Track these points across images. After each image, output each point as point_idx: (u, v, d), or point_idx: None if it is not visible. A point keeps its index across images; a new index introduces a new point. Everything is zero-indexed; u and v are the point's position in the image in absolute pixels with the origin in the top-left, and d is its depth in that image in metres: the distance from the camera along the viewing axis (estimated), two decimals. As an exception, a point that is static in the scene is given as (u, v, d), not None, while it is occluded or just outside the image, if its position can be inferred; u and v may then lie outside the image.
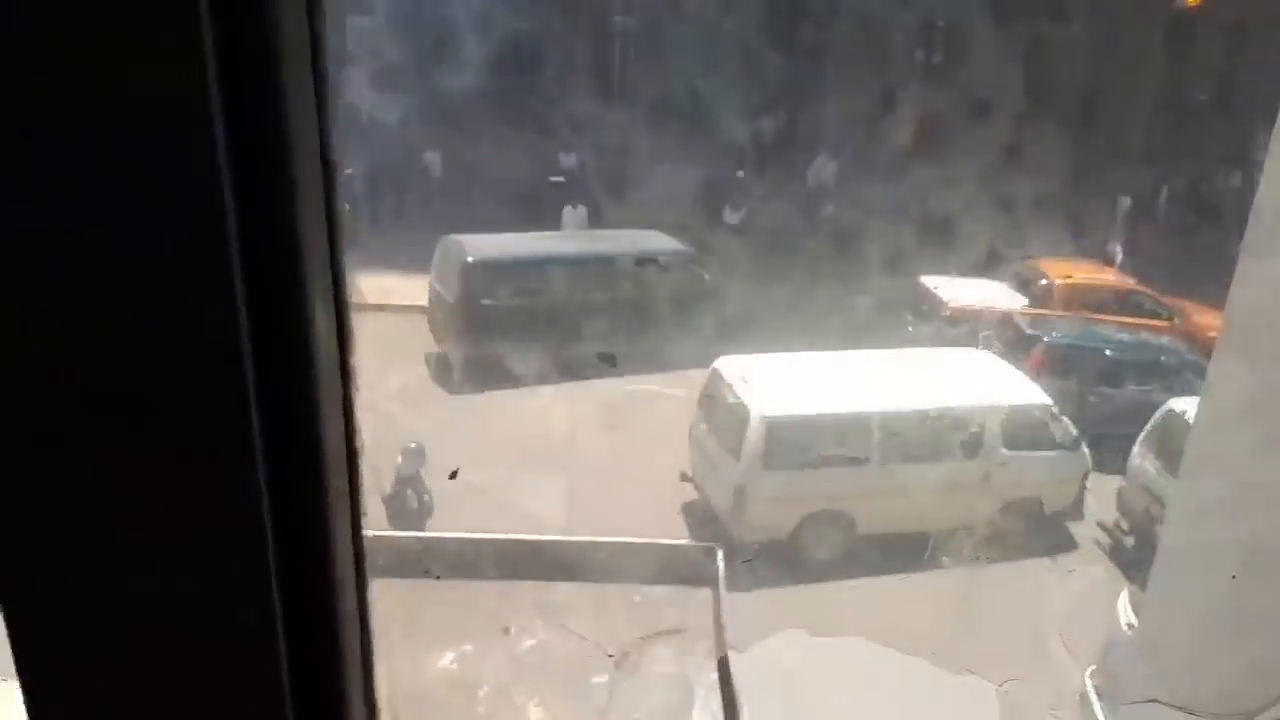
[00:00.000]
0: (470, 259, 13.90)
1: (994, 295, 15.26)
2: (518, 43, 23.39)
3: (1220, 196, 21.69)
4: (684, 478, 11.21)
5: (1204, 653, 5.29)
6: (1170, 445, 10.11)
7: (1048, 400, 11.01)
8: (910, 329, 15.09)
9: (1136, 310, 14.96)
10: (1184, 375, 11.93)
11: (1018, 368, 11.98)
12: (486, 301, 13.90)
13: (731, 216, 19.30)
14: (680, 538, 11.18)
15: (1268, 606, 4.64)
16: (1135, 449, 10.52)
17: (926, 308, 15.07)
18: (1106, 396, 11.98)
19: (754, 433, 9.92)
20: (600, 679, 6.47)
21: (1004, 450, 10.54)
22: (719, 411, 10.80)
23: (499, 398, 13.39)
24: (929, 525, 10.21)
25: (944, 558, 10.08)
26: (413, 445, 11.11)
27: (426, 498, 10.65)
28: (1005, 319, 13.87)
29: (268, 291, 0.64)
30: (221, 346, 0.63)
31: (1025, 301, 15.02)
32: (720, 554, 7.46)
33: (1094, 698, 7.77)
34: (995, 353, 12.61)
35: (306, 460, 0.70)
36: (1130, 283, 16.08)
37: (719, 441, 10.52)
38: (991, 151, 21.40)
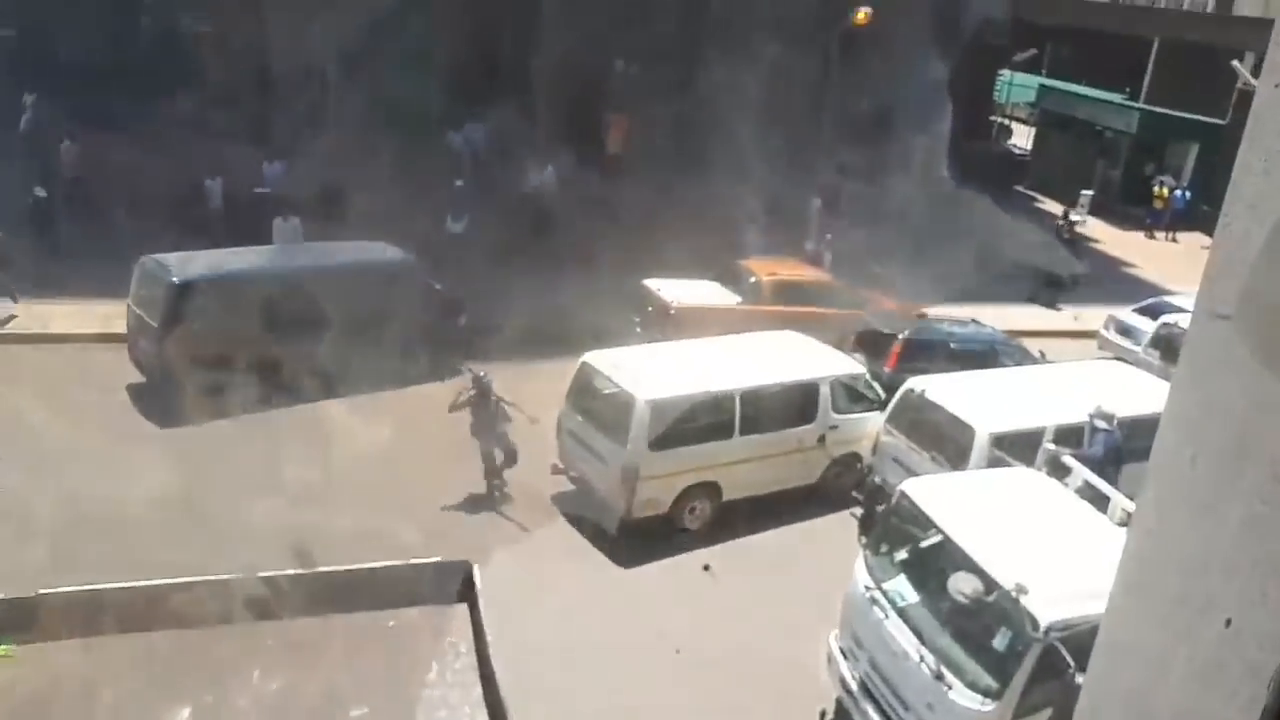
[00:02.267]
0: (175, 279, 12.67)
1: (710, 294, 16.23)
2: (202, 46, 21.79)
3: (887, 196, 24.45)
4: (555, 470, 11.72)
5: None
6: (909, 419, 11.37)
7: (863, 369, 12.67)
8: (639, 330, 15.68)
9: (832, 300, 16.51)
10: (1009, 357, 14.20)
11: (876, 361, 13.64)
12: (195, 325, 12.75)
13: (454, 226, 19.08)
14: (562, 529, 11.40)
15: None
16: (881, 426, 11.75)
17: (652, 309, 15.72)
18: None
19: (639, 415, 10.58)
20: (358, 712, 6.22)
21: (834, 414, 11.97)
22: (596, 401, 11.32)
23: (223, 428, 12.44)
24: (779, 486, 11.78)
25: (789, 514, 11.73)
26: None
27: None
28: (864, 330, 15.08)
29: None
30: None
31: (739, 299, 16.07)
32: (475, 568, 7.36)
33: (839, 657, 8.43)
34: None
35: None
36: (826, 277, 17.78)
37: (598, 429, 11.06)
38: (690, 158, 22.80)
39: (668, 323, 15.25)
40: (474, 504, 11.58)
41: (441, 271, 15.54)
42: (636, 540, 10.99)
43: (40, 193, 16.92)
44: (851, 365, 12.71)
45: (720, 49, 20.91)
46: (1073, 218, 24.04)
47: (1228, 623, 1.90)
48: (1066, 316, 20.27)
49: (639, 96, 24.43)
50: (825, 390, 11.93)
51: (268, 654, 6.49)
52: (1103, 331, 18.30)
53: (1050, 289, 21.10)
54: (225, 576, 6.80)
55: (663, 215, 20.88)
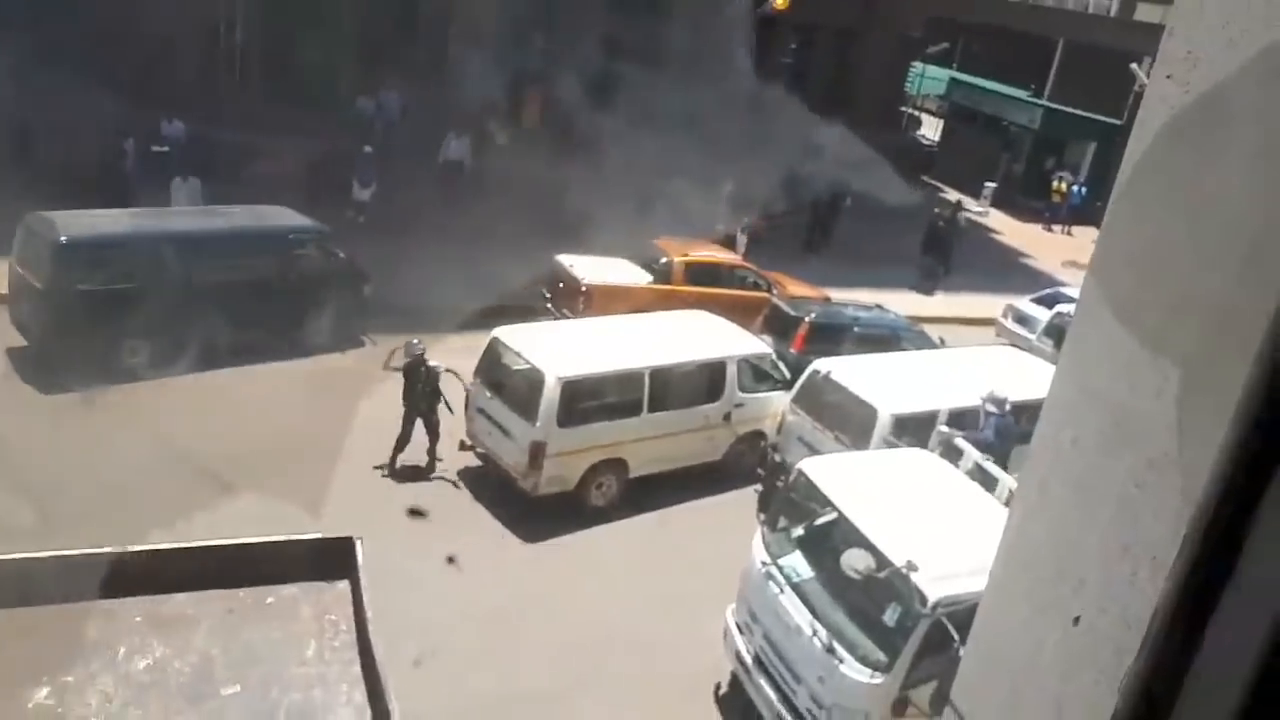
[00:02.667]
0: (63, 238, 11.99)
1: (623, 273, 16.22)
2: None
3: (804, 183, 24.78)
4: (463, 446, 11.67)
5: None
6: (814, 400, 11.58)
7: (769, 349, 12.83)
8: (549, 306, 15.58)
9: (742, 283, 16.70)
10: (910, 342, 14.57)
11: (782, 343, 13.74)
12: (84, 287, 12.14)
13: (361, 193, 18.59)
14: (467, 504, 11.21)
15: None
16: (787, 406, 11.93)
17: (563, 285, 15.63)
18: None
19: (550, 393, 10.56)
20: (231, 690, 5.97)
21: (740, 393, 12.13)
22: (507, 377, 11.30)
23: (110, 395, 11.90)
24: (684, 462, 11.93)
25: (694, 490, 11.91)
26: None
27: None
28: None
29: None
30: None
31: (650, 278, 16.11)
32: (359, 543, 7.07)
33: (735, 632, 8.57)
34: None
35: None
36: (737, 259, 17.98)
37: (508, 405, 11.02)
38: (607, 135, 22.70)
39: (579, 299, 15.19)
40: (372, 477, 11.34)
41: (346, 240, 15.13)
42: (541, 517, 10.97)
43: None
44: (758, 345, 12.89)
45: (635, 24, 20.78)
46: (973, 208, 24.55)
47: (1098, 603, 1.97)
48: (944, 302, 20.77)
49: (555, 69, 24.17)
50: (732, 369, 12.08)
51: (136, 631, 6.26)
52: (1000, 319, 18.95)
53: (926, 279, 21.59)
54: (91, 550, 6.54)
55: (576, 190, 20.76)
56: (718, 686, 8.93)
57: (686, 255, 16.73)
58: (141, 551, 6.73)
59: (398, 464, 11.52)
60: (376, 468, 11.40)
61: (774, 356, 12.76)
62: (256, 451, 10.95)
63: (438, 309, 15.77)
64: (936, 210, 24.46)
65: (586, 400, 11.01)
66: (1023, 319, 18.44)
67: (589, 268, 15.77)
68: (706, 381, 12.01)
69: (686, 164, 21.62)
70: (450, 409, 11.48)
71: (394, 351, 11.53)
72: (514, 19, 22.01)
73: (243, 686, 5.95)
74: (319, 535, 7.10)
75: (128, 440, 11.21)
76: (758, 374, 12.46)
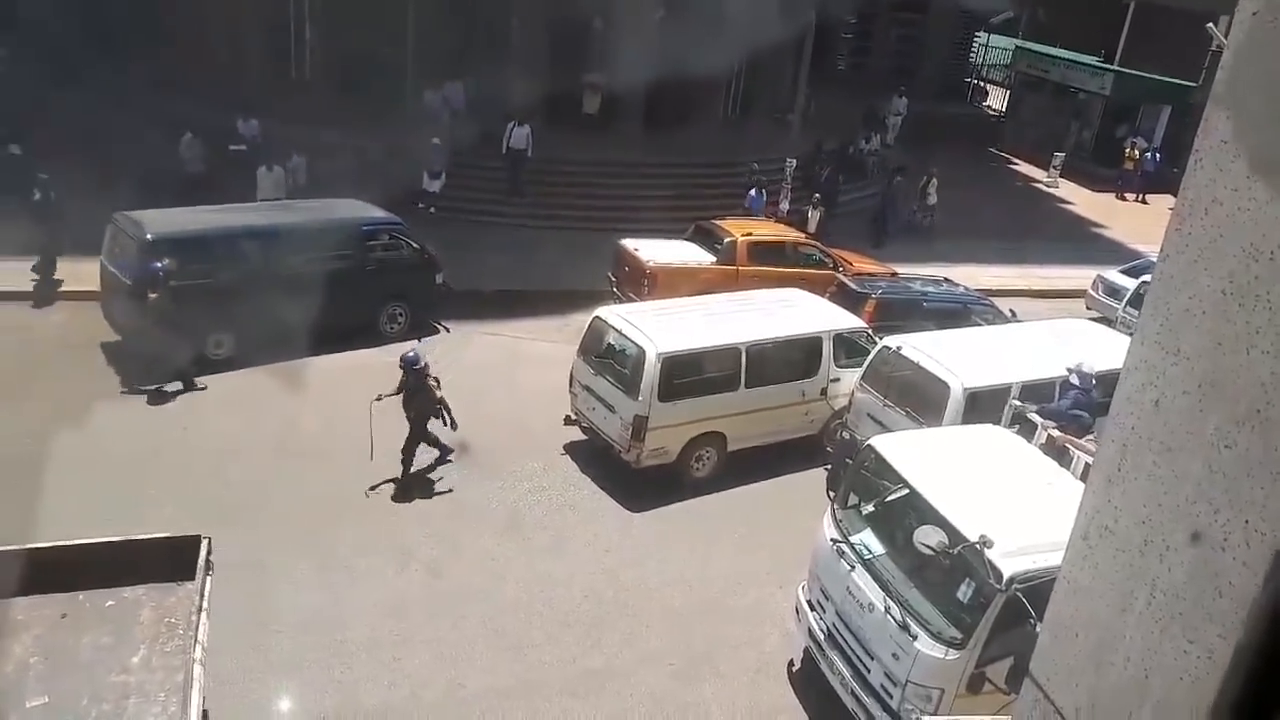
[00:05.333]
0: (149, 236, 12.49)
1: (686, 254, 16.23)
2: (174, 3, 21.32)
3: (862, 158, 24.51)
4: (568, 421, 12.09)
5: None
6: (884, 376, 11.56)
7: (864, 324, 12.88)
8: (614, 289, 15.73)
9: (807, 260, 16.59)
10: (981, 316, 14.45)
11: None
12: (169, 282, 12.62)
13: (430, 184, 18.93)
14: (568, 476, 11.57)
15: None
16: (857, 384, 11.97)
17: (628, 268, 15.73)
18: None
19: (651, 368, 10.88)
20: (37, 701, 5.77)
21: (835, 368, 12.29)
22: (609, 355, 11.59)
23: (212, 384, 12.47)
24: (782, 436, 12.16)
25: (791, 463, 12.04)
26: None
27: None
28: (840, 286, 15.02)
29: None
30: None
31: (713, 259, 16.09)
32: (207, 543, 6.81)
33: (807, 610, 8.62)
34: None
35: None
36: (801, 237, 17.84)
37: (611, 381, 11.35)
38: (661, 121, 22.66)
39: (643, 282, 15.29)
40: (449, 456, 11.63)
41: (418, 229, 15.47)
42: (643, 488, 11.26)
43: (14, 150, 16.54)
44: (852, 320, 12.89)
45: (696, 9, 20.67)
46: (927, 191, 22.74)
47: (1188, 565, 1.94)
48: (1018, 274, 20.37)
49: (616, 56, 24.22)
50: (827, 344, 12.22)
51: None
52: (1090, 292, 18.63)
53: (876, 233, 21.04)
54: None
55: (639, 174, 20.85)
56: (790, 663, 9.02)
57: (750, 234, 16.66)
58: None
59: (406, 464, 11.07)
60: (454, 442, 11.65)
61: (869, 331, 12.71)
62: (342, 436, 11.31)
63: (504, 295, 16.09)
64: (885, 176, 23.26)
65: (686, 375, 11.25)
66: (1113, 290, 18.07)
67: (652, 250, 15.85)
68: (803, 356, 12.16)
69: (751, 144, 21.53)
70: (451, 423, 11.00)
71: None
72: (574, 6, 22.08)
73: (50, 698, 5.78)
74: (167, 535, 6.91)
75: (212, 427, 11.68)
76: (853, 349, 12.47)
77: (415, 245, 14.69)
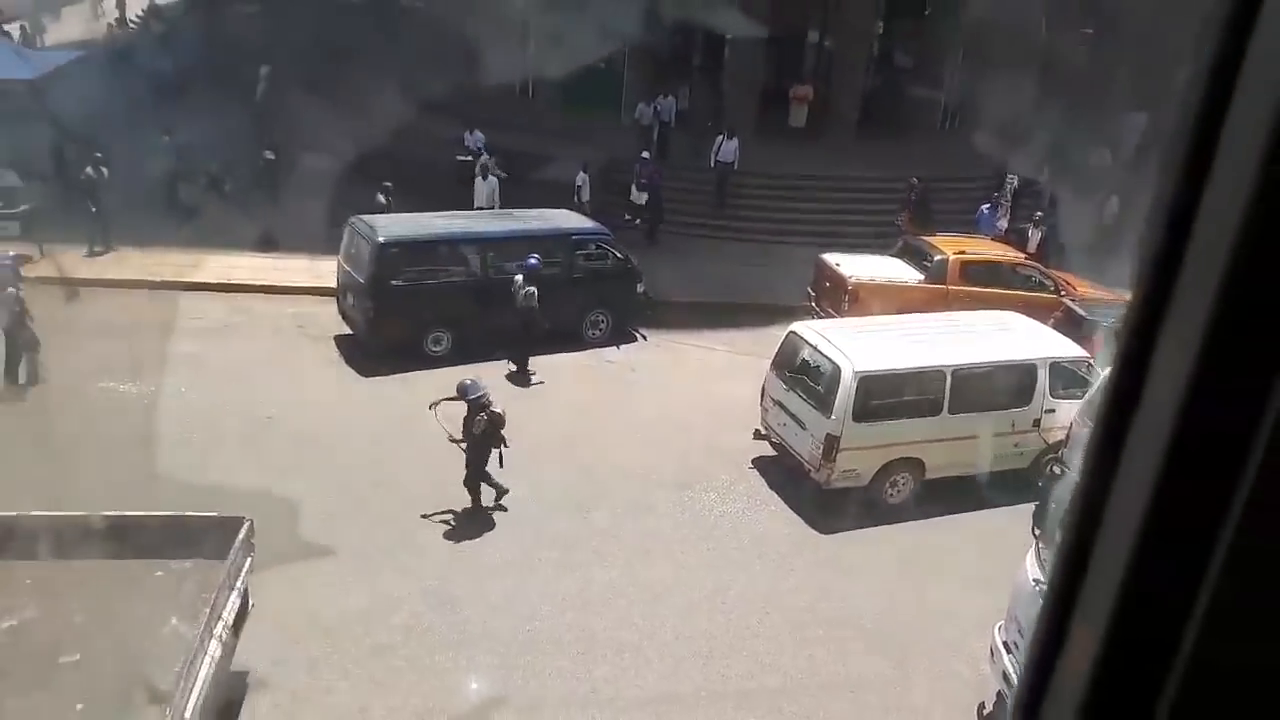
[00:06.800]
0: (381, 239, 13.57)
1: (891, 271, 15.71)
2: (413, 23, 22.96)
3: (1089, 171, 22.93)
4: (758, 435, 11.95)
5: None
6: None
7: (1086, 354, 12.04)
8: (814, 305, 15.49)
9: (1025, 283, 15.62)
10: None
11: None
12: (397, 282, 13.64)
13: (639, 196, 19.40)
14: (755, 491, 11.54)
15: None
16: (1076, 418, 11.12)
17: (829, 283, 15.45)
18: None
19: (846, 386, 10.58)
20: (69, 659, 6.18)
21: (1051, 398, 11.57)
22: (803, 371, 11.35)
23: (420, 379, 13.33)
24: (987, 467, 11.32)
25: (994, 496, 11.08)
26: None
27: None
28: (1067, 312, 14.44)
29: None
30: None
31: (920, 276, 15.49)
32: (248, 525, 7.21)
33: (1003, 652, 8.15)
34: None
35: None
36: (1020, 256, 16.70)
37: (804, 397, 11.13)
38: (871, 132, 22.20)
39: (844, 298, 14.96)
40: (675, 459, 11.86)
41: (623, 241, 15.91)
42: (832, 510, 11.00)
43: (269, 155, 18.48)
44: (1073, 349, 12.12)
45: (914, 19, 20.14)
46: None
47: None
48: None
49: (829, 67, 23.97)
50: (1043, 373, 11.52)
51: (21, 593, 6.57)
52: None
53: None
54: None
55: (845, 187, 20.50)
56: (980, 706, 8.59)
57: (963, 251, 15.93)
58: (41, 517, 7.06)
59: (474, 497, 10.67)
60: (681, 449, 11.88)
61: (1091, 360, 11.93)
62: (549, 433, 11.80)
63: (704, 306, 16.24)
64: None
65: (884, 396, 10.89)
66: None
67: (855, 265, 15.46)
68: (1015, 384, 11.50)
69: (967, 158, 20.68)
70: (502, 457, 10.37)
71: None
72: (787, 24, 22.02)
73: (81, 657, 6.16)
74: (216, 514, 7.29)
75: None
76: (1074, 379, 11.71)
77: (619, 255, 15.13)
